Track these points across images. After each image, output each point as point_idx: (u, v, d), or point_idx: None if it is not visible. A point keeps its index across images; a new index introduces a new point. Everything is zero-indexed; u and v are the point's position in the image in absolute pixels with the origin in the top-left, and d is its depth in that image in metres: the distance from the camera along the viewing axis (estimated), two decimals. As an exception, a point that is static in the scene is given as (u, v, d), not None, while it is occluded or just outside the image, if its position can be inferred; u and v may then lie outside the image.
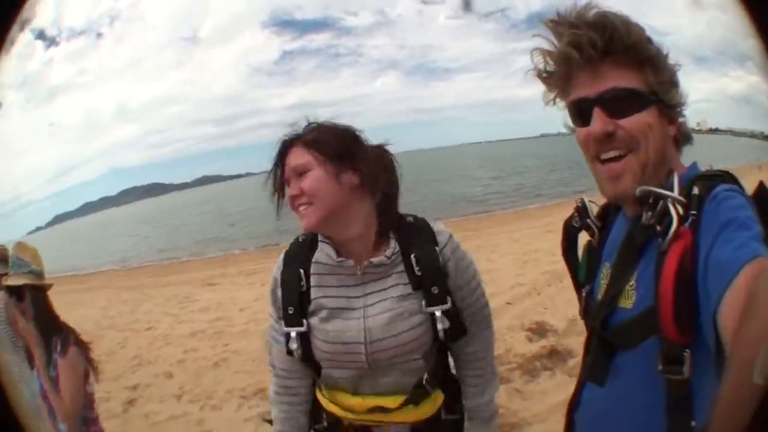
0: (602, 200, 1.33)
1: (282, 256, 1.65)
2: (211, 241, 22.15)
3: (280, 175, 1.55)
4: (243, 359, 5.83)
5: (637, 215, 1.13)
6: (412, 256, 1.55)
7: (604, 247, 1.34)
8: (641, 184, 1.11)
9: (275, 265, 1.65)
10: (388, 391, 1.57)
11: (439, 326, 1.52)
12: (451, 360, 1.77)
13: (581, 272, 1.42)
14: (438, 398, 1.65)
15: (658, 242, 1.01)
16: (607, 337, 1.16)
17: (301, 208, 1.49)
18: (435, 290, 1.53)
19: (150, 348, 6.48)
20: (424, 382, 1.59)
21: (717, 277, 0.87)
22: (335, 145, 1.53)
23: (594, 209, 1.38)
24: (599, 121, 1.12)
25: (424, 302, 1.53)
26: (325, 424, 1.66)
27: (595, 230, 1.37)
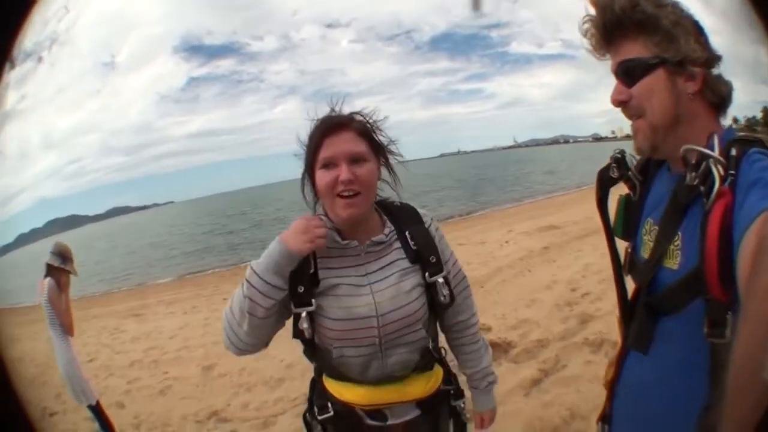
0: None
1: None
2: (125, 274, 21.59)
3: (317, 153, 1.55)
4: (185, 385, 5.88)
5: (681, 174, 1.13)
6: (407, 233, 1.66)
7: (644, 201, 1.38)
8: (654, 142, 1.22)
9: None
10: (395, 370, 1.63)
11: (445, 291, 1.63)
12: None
13: (618, 225, 1.45)
14: (439, 372, 1.75)
15: (703, 202, 1.03)
16: (652, 303, 1.18)
17: (348, 195, 1.52)
18: (433, 259, 1.65)
19: (96, 379, 6.27)
20: (430, 348, 1.70)
21: (739, 229, 0.90)
22: (376, 140, 1.62)
23: (633, 162, 1.41)
24: (614, 92, 1.25)
25: (427, 273, 1.63)
26: (331, 412, 1.68)
27: (637, 184, 1.40)
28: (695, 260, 1.02)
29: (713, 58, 1.18)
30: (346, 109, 1.61)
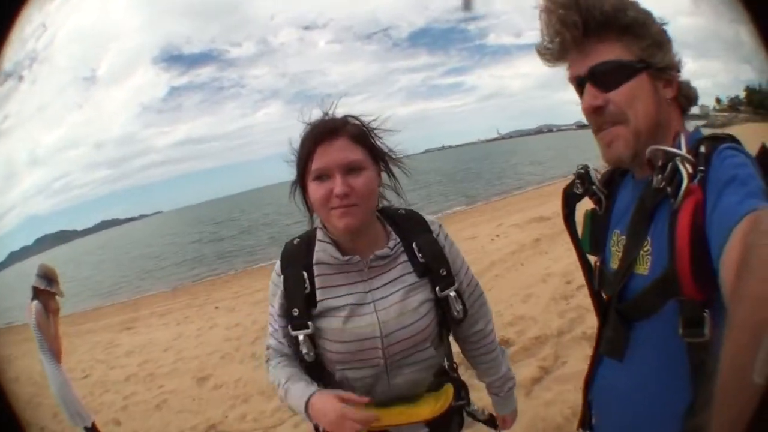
0: (604, 168, 1.40)
1: (279, 261, 1.58)
2: (116, 288, 21.43)
3: (309, 163, 1.43)
4: (182, 398, 5.83)
5: (647, 179, 1.13)
6: (414, 244, 1.55)
7: (611, 214, 1.36)
8: (636, 150, 1.16)
9: (273, 270, 1.59)
10: (403, 391, 1.56)
11: (458, 306, 1.54)
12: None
13: (584, 241, 1.43)
14: (449, 390, 1.65)
15: (670, 203, 1.02)
16: (624, 309, 1.17)
17: (344, 207, 1.40)
18: (443, 272, 1.54)
19: (92, 396, 6.40)
20: (446, 368, 1.66)
21: (717, 231, 0.88)
22: (376, 145, 1.51)
23: (597, 176, 1.39)
24: (588, 97, 1.18)
25: (437, 288, 1.53)
26: None
27: (602, 198, 1.38)
28: (665, 263, 1.02)
29: (682, 64, 1.20)
30: (342, 111, 1.51)
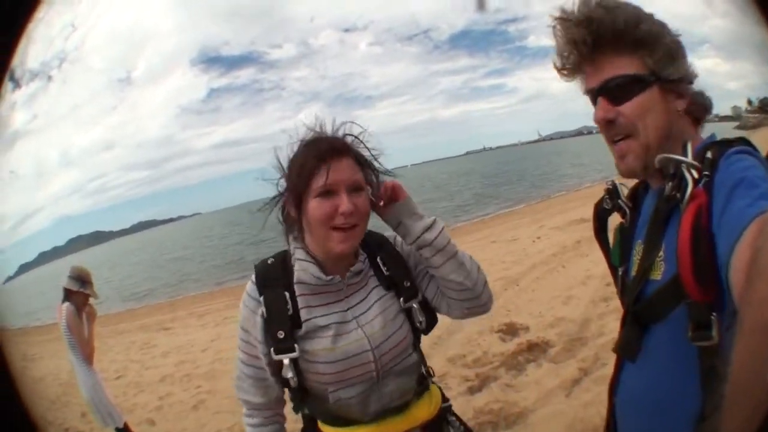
0: (631, 182, 1.43)
1: (251, 282, 1.54)
2: (154, 289, 21.74)
3: (312, 179, 1.41)
4: (220, 399, 5.80)
5: (661, 188, 1.16)
6: (378, 258, 1.60)
7: (636, 226, 1.38)
8: (646, 162, 1.20)
9: (245, 294, 1.54)
10: (394, 399, 1.54)
11: (420, 318, 1.56)
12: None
13: (614, 254, 1.45)
14: (436, 390, 1.68)
15: (680, 209, 1.04)
16: (638, 311, 1.19)
17: (344, 227, 1.41)
18: (407, 284, 1.57)
19: (125, 397, 6.42)
20: (425, 374, 1.64)
21: (727, 234, 0.90)
22: (372, 168, 1.52)
23: (624, 191, 1.44)
24: (599, 110, 1.21)
25: (402, 299, 1.56)
26: None
27: (627, 211, 1.41)
28: (675, 267, 1.02)
29: (695, 75, 1.23)
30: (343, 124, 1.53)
